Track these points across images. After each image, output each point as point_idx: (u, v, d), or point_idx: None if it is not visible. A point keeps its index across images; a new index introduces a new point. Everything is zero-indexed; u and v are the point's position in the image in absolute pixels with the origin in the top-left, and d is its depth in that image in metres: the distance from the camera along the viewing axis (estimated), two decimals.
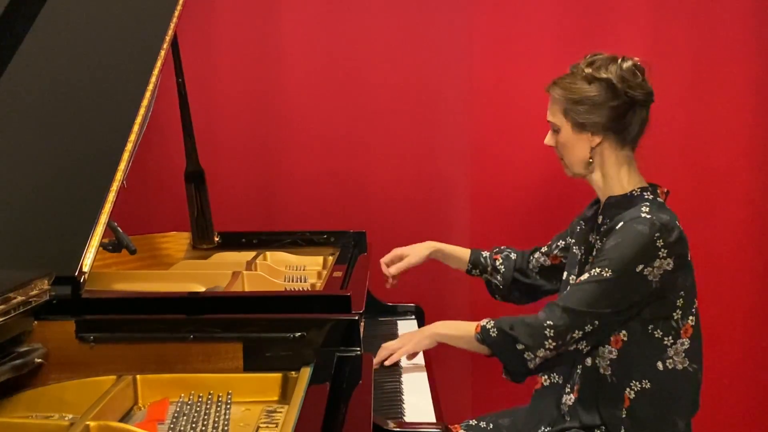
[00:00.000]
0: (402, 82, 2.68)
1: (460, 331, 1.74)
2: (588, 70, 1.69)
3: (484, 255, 2.06)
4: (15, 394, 1.30)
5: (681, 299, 1.65)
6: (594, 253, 1.72)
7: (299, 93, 2.68)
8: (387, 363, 1.76)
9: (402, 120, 2.69)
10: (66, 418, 1.24)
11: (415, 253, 2.05)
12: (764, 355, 2.76)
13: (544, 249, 1.98)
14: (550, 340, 1.61)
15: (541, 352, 1.62)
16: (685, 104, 2.67)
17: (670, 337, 1.65)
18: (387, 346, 1.79)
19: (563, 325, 1.60)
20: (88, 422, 1.13)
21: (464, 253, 2.07)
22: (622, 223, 1.64)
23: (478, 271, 2.07)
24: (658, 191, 1.72)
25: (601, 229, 1.72)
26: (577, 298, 1.62)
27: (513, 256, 2.04)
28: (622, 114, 1.68)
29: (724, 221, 2.70)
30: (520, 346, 1.62)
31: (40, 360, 1.35)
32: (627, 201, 1.70)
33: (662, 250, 1.60)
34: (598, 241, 1.71)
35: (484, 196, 2.68)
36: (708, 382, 2.67)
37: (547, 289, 2.00)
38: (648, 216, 1.62)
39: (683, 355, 1.66)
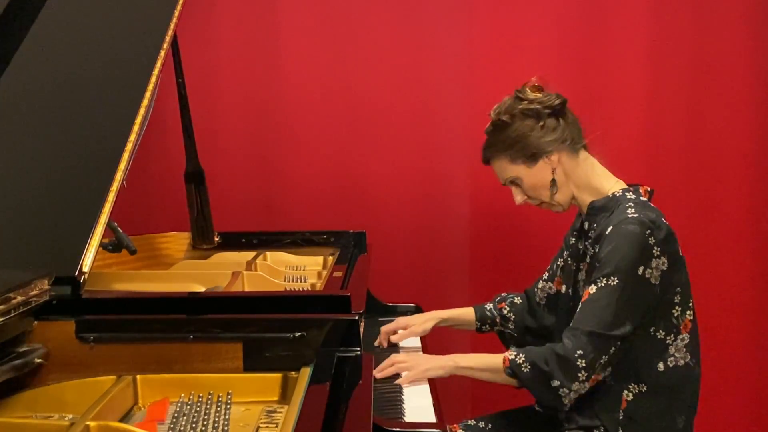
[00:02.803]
0: (402, 82, 2.68)
1: (483, 363, 1.68)
2: (503, 117, 1.73)
3: (488, 308, 2.00)
4: (15, 394, 1.30)
5: (678, 295, 1.65)
6: (587, 260, 1.71)
7: (299, 93, 2.68)
8: (382, 376, 1.65)
9: (402, 120, 2.69)
10: (66, 418, 1.25)
11: (419, 324, 1.94)
12: (764, 354, 2.76)
13: (545, 276, 1.93)
14: (582, 372, 1.57)
15: (575, 386, 1.58)
16: (685, 104, 2.67)
17: (672, 335, 1.65)
18: (396, 360, 1.68)
19: (592, 351, 1.57)
20: (88, 422, 1.13)
21: (468, 312, 1.99)
22: (611, 227, 1.62)
23: (488, 326, 1.99)
24: (641, 190, 1.72)
25: (590, 235, 1.71)
26: (599, 319, 1.58)
27: (517, 300, 1.98)
28: (555, 126, 1.72)
29: (724, 220, 2.71)
30: (555, 383, 1.58)
31: (40, 360, 1.35)
32: (610, 203, 1.69)
33: (655, 248, 1.59)
34: (589, 248, 1.70)
35: (484, 196, 2.68)
36: (708, 381, 2.68)
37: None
38: (636, 215, 1.61)
39: (684, 350, 1.66)
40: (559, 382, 1.57)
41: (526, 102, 1.72)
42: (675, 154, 2.69)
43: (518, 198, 1.79)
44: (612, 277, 1.58)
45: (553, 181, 1.73)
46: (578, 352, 1.56)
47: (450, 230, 2.73)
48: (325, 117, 2.69)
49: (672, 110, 2.67)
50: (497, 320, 1.99)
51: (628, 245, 1.58)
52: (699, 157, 2.69)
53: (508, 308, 1.98)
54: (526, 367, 1.60)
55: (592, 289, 1.60)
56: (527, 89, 1.74)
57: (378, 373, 1.63)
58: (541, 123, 1.71)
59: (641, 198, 1.70)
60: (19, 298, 1.28)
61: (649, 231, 1.59)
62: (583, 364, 1.56)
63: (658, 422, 1.65)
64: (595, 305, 1.59)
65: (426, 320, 1.95)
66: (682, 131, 2.68)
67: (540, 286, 1.94)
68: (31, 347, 1.35)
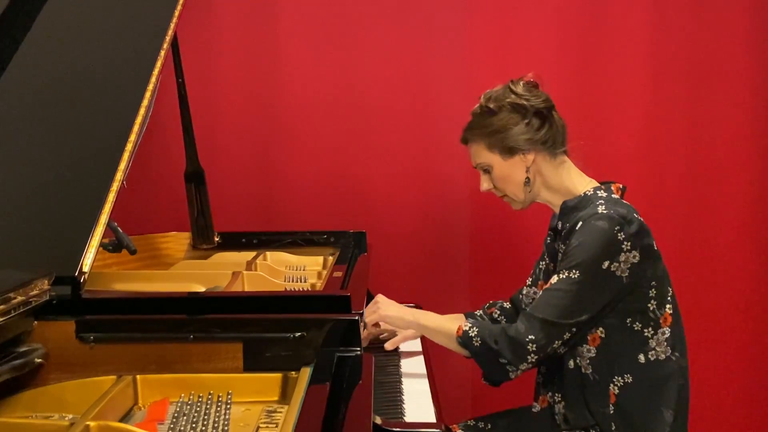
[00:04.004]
0: (401, 83, 2.68)
1: (440, 326, 1.75)
2: (490, 105, 1.77)
3: (478, 314, 2.04)
4: (15, 394, 1.30)
5: (653, 289, 1.67)
6: (559, 258, 1.72)
7: (299, 93, 2.68)
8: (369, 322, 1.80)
9: (402, 120, 2.69)
10: (66, 418, 1.24)
11: (405, 329, 1.93)
12: (764, 354, 2.76)
13: (528, 282, 1.96)
14: (532, 354, 1.62)
15: (523, 366, 1.64)
16: (685, 104, 2.67)
17: (650, 328, 1.67)
18: (366, 320, 1.78)
19: (544, 338, 1.62)
20: (88, 422, 1.13)
21: (459, 318, 1.99)
22: (580, 222, 1.66)
23: None
24: (612, 188, 1.75)
25: (562, 234, 1.73)
26: (553, 308, 1.62)
27: (507, 305, 2.03)
28: (540, 126, 1.75)
29: (724, 220, 2.71)
30: (503, 360, 1.63)
31: (40, 360, 1.35)
32: (582, 202, 1.72)
33: (625, 243, 1.61)
34: (561, 246, 1.72)
35: (484, 196, 2.66)
36: (707, 381, 2.69)
37: None
38: (605, 211, 1.64)
39: (665, 344, 1.67)
40: (506, 361, 1.63)
41: (515, 96, 1.75)
42: (675, 154, 2.69)
43: (484, 185, 1.85)
44: (574, 270, 1.62)
45: (527, 179, 1.77)
46: (530, 336, 1.62)
47: (450, 230, 2.73)
48: (326, 117, 2.69)
49: (672, 110, 2.67)
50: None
51: (594, 241, 1.62)
52: (699, 158, 2.69)
53: (498, 312, 2.02)
54: (476, 341, 1.66)
55: (554, 279, 1.65)
56: (520, 83, 1.77)
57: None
58: (526, 120, 1.74)
59: (613, 195, 1.73)
60: (19, 298, 1.28)
61: (618, 227, 1.61)
62: (534, 349, 1.62)
63: (646, 416, 1.67)
64: (553, 294, 1.64)
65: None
66: (682, 131, 2.68)
67: (525, 292, 1.96)
68: (31, 347, 1.35)
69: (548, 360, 1.69)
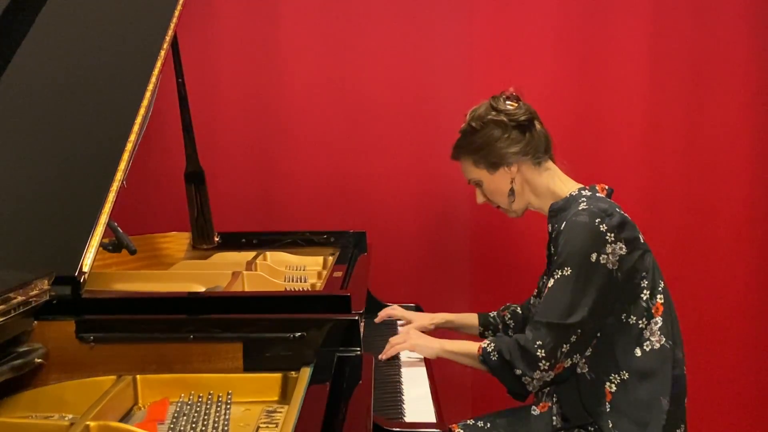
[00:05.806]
0: (402, 83, 2.68)
1: (464, 349, 1.78)
2: (473, 123, 1.83)
3: (492, 315, 2.08)
4: (15, 394, 1.30)
5: (645, 280, 1.69)
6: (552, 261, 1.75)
7: (299, 93, 2.68)
8: (385, 356, 1.79)
9: (402, 120, 2.70)
10: (66, 418, 1.25)
11: (421, 321, 2.04)
12: (764, 354, 2.76)
13: (535, 293, 2.00)
14: (543, 361, 1.64)
15: (537, 374, 1.65)
16: (685, 104, 2.67)
17: (644, 319, 1.69)
18: (394, 342, 1.81)
19: (551, 341, 1.64)
20: (88, 422, 1.13)
21: (472, 318, 2.08)
22: (565, 222, 1.69)
23: (490, 332, 2.08)
24: (597, 188, 1.79)
25: (552, 236, 1.76)
26: (553, 309, 1.65)
27: (519, 310, 2.07)
28: (520, 139, 1.80)
29: (723, 221, 2.71)
30: (518, 372, 1.66)
31: (40, 360, 1.35)
32: (568, 202, 1.76)
33: (608, 234, 1.64)
34: (553, 249, 1.75)
35: None
36: (708, 381, 2.69)
37: None
38: (586, 207, 1.68)
39: (659, 333, 1.69)
40: (521, 371, 1.66)
41: (495, 113, 1.81)
42: (675, 154, 2.69)
43: (479, 199, 1.91)
44: (566, 268, 1.65)
45: (511, 190, 1.83)
46: (537, 342, 1.64)
47: (450, 230, 2.73)
48: (326, 117, 2.69)
49: (672, 110, 2.67)
50: (499, 327, 2.06)
51: (578, 235, 1.65)
52: (699, 158, 2.69)
53: (509, 316, 2.06)
54: (494, 355, 1.69)
55: (551, 282, 1.68)
56: (501, 99, 1.83)
57: (383, 356, 1.78)
58: (507, 134, 1.80)
59: (597, 194, 1.77)
60: (19, 298, 1.28)
61: (599, 219, 1.65)
62: (543, 354, 1.64)
63: (644, 408, 1.67)
64: (552, 296, 1.66)
65: (431, 319, 2.05)
66: (682, 132, 2.68)
67: (532, 302, 2.00)
68: (31, 347, 1.35)
69: (565, 374, 1.69)
